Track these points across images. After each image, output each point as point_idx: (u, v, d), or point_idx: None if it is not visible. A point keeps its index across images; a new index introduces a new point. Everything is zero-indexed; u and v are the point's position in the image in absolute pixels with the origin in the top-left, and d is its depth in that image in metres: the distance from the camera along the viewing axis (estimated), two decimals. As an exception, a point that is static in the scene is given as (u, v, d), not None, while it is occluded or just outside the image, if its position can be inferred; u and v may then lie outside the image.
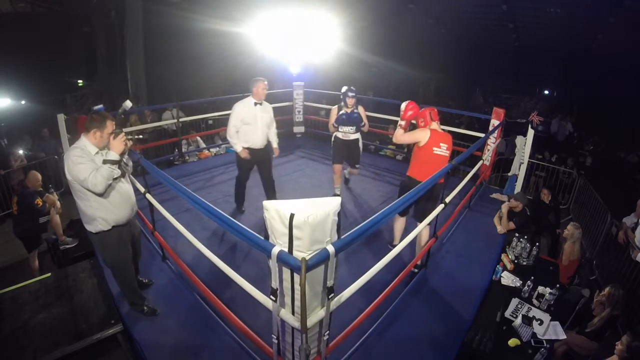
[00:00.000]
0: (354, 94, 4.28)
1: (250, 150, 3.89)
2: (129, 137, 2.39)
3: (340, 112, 4.35)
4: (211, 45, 9.50)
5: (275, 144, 4.13)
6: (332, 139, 4.57)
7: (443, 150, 3.18)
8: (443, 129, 3.43)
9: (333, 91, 7.55)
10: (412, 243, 2.69)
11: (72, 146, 2.27)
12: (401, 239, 2.98)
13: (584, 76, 12.14)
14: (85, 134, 2.24)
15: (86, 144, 2.23)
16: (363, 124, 4.41)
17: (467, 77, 14.83)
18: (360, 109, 4.39)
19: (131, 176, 2.94)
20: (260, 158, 3.99)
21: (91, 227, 2.32)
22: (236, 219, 2.11)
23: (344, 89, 4.33)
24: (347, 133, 4.38)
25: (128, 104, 2.59)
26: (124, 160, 2.44)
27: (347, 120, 4.32)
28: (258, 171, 4.13)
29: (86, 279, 3.12)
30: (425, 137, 3.15)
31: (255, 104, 3.81)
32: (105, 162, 2.18)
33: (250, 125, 3.80)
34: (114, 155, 2.20)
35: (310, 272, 1.52)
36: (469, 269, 3.40)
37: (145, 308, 2.74)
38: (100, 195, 2.20)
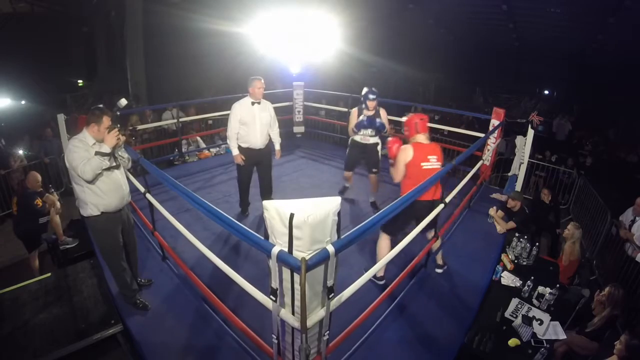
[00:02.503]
0: (375, 96, 3.96)
1: (250, 150, 3.84)
2: (123, 132, 2.57)
3: (361, 117, 4.06)
4: (211, 45, 9.51)
5: (277, 146, 4.06)
6: (349, 142, 4.32)
7: (433, 163, 2.93)
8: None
9: (333, 91, 7.58)
10: (413, 243, 2.68)
11: (73, 137, 2.53)
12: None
13: (584, 76, 12.16)
14: (86, 127, 2.48)
15: (86, 135, 2.47)
16: (386, 130, 4.13)
17: (467, 77, 14.83)
18: (382, 112, 4.11)
19: (129, 173, 2.98)
20: (259, 159, 3.94)
21: (83, 211, 2.55)
22: (236, 218, 2.11)
23: (365, 90, 4.03)
24: (366, 136, 4.14)
25: (123, 101, 2.70)
26: (119, 153, 2.63)
27: (369, 125, 4.06)
28: (257, 171, 4.08)
29: (86, 279, 3.12)
30: (409, 154, 2.91)
31: (253, 103, 3.76)
32: (97, 153, 2.42)
33: (248, 125, 3.75)
34: (105, 148, 2.45)
35: (310, 272, 1.52)
36: (469, 269, 3.40)
37: (137, 301, 2.77)
38: (91, 182, 2.43)
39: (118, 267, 2.70)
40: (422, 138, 3.01)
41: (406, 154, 2.92)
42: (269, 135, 3.96)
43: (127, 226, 2.80)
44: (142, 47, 9.39)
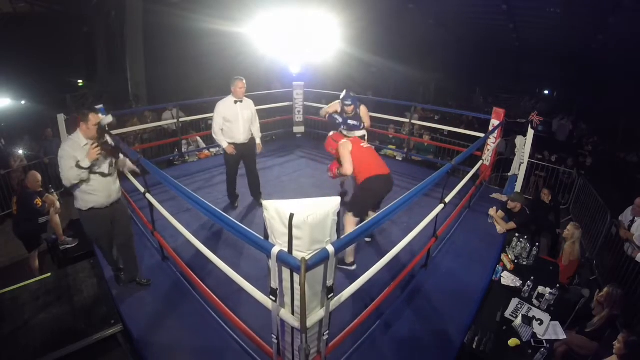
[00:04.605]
0: (350, 102, 4.18)
1: (235, 145, 4.08)
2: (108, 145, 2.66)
3: (337, 114, 4.39)
4: (211, 46, 9.51)
5: (258, 140, 4.29)
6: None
7: (366, 144, 3.44)
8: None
9: (333, 91, 7.57)
10: (412, 243, 2.69)
11: (68, 137, 2.67)
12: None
13: (584, 76, 12.15)
14: (79, 127, 2.62)
15: (79, 135, 2.60)
16: (362, 125, 4.32)
17: (467, 77, 14.83)
18: (362, 109, 4.33)
19: (130, 174, 3.05)
20: (244, 153, 4.18)
21: (76, 203, 2.76)
22: (235, 218, 2.11)
23: (343, 94, 4.26)
24: (352, 131, 4.33)
25: (107, 119, 2.71)
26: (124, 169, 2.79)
27: (342, 123, 4.34)
28: (243, 165, 4.29)
29: (86, 279, 3.12)
30: (349, 145, 3.28)
31: (236, 102, 4.00)
32: (77, 165, 2.52)
33: (232, 122, 4.00)
34: (85, 163, 2.54)
35: (310, 272, 1.52)
36: (469, 269, 3.40)
37: (121, 277, 3.01)
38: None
39: (108, 255, 2.95)
40: (344, 139, 3.39)
41: (347, 146, 3.27)
42: (251, 131, 4.20)
43: (121, 219, 2.93)
44: (142, 47, 9.40)
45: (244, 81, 4.00)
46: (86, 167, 2.53)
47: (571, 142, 9.63)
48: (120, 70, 9.81)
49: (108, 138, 2.63)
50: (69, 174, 2.51)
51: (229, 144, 4.05)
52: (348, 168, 3.21)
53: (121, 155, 2.88)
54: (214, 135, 4.07)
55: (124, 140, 3.22)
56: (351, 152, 3.22)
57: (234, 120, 4.00)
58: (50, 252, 4.21)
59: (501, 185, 5.72)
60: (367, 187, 3.18)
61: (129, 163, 3.06)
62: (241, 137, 4.08)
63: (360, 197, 3.27)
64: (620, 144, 9.07)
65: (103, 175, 2.66)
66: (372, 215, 3.29)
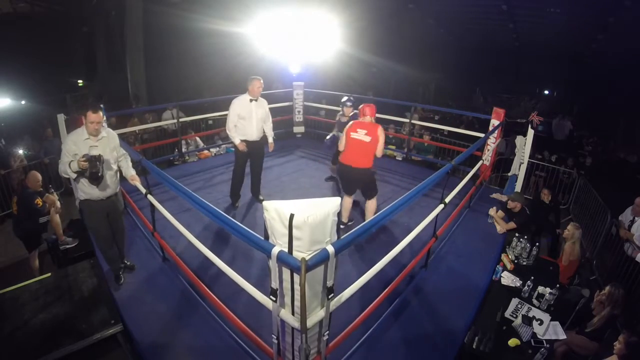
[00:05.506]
0: (351, 104, 4.60)
1: (246, 142, 4.18)
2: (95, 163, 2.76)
3: (337, 118, 4.80)
4: (211, 45, 9.50)
5: (270, 139, 4.41)
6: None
7: (361, 135, 3.57)
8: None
9: (333, 91, 7.58)
10: (412, 243, 2.69)
11: (73, 131, 2.86)
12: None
13: (583, 76, 12.14)
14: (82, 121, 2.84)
15: (83, 129, 2.80)
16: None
17: (467, 77, 14.81)
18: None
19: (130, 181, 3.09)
20: (254, 150, 4.27)
21: (75, 194, 2.98)
22: (235, 218, 2.11)
23: (344, 98, 4.67)
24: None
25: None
26: (100, 169, 2.78)
27: (340, 129, 4.52)
28: (249, 162, 4.35)
29: (86, 279, 3.12)
30: (347, 127, 3.65)
31: (251, 100, 4.10)
32: (70, 163, 2.71)
33: (245, 119, 4.11)
34: (74, 166, 2.70)
35: (310, 272, 1.52)
36: (469, 269, 3.40)
37: (119, 274, 3.09)
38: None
39: (102, 244, 3.05)
40: (366, 119, 3.68)
41: (347, 126, 3.68)
42: (263, 129, 4.33)
43: (115, 211, 3.07)
44: (142, 47, 9.40)
45: (262, 81, 4.12)
46: (74, 171, 2.69)
47: (571, 142, 9.61)
48: (120, 70, 9.81)
49: (98, 164, 2.71)
50: (62, 166, 2.75)
51: (241, 141, 4.14)
52: (340, 144, 3.76)
53: (132, 170, 3.12)
54: (227, 132, 4.17)
55: (124, 140, 3.23)
56: (345, 132, 3.65)
57: (248, 118, 4.10)
58: (50, 252, 4.21)
59: (501, 185, 5.72)
60: (338, 168, 3.91)
61: (132, 173, 3.11)
62: (254, 135, 4.18)
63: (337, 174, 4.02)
64: (620, 144, 9.07)
65: (90, 183, 2.80)
66: (347, 201, 3.89)
